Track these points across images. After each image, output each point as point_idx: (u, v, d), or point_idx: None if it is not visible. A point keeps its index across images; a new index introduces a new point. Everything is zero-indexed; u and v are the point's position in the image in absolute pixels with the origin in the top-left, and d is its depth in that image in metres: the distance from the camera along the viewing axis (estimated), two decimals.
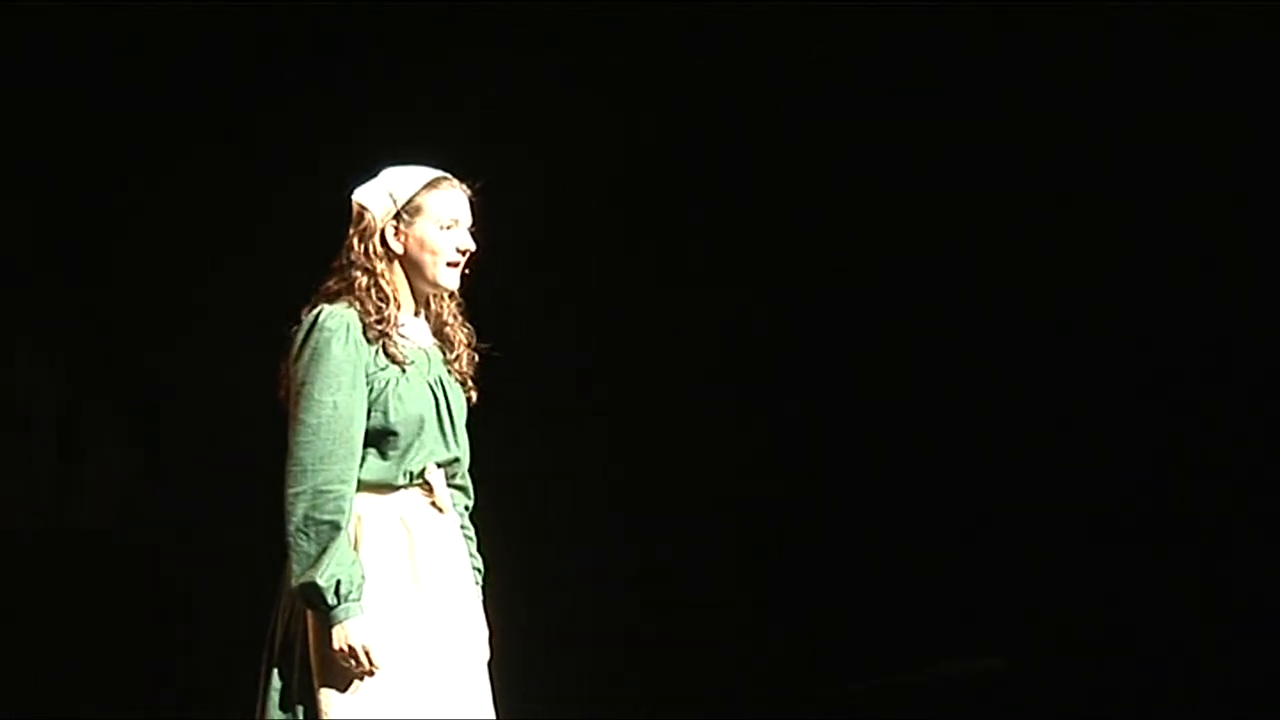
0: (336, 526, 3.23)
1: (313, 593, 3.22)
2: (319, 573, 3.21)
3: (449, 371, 3.47)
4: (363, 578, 3.25)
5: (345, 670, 3.24)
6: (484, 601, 3.52)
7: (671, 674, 5.92)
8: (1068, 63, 5.79)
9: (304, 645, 3.28)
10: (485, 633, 3.48)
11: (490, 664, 3.48)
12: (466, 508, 3.55)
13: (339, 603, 3.22)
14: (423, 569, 3.35)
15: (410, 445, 3.35)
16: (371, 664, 3.23)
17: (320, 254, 3.49)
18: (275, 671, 3.30)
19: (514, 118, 5.76)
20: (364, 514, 3.33)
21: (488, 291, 3.57)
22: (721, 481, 6.02)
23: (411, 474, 3.36)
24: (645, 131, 5.94)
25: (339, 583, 3.21)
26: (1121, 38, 5.73)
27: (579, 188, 5.87)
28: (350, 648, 3.22)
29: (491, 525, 3.67)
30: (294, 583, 3.24)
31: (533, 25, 5.82)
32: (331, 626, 3.22)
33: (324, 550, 3.22)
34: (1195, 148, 5.69)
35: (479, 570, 3.55)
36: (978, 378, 5.99)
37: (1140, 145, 5.75)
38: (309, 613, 3.26)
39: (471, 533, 3.56)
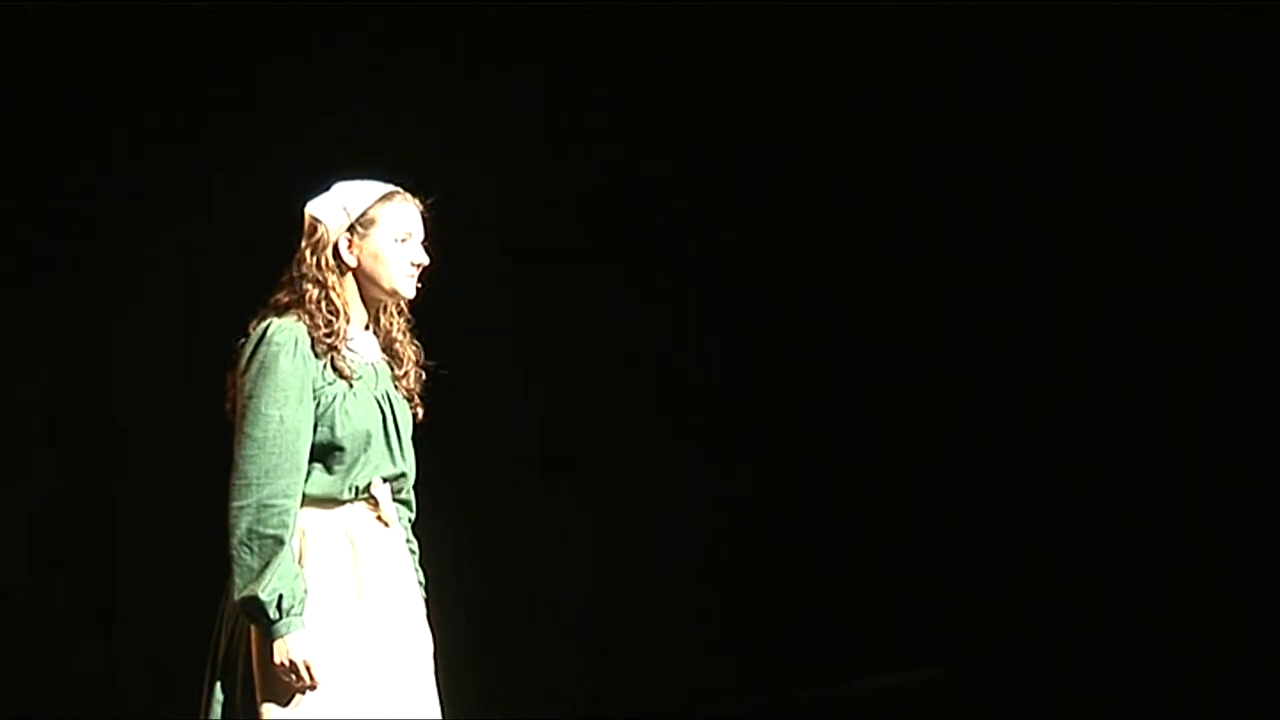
0: (280, 541, 3.24)
1: (254, 607, 3.22)
2: (261, 586, 3.21)
3: (396, 387, 3.48)
4: (305, 592, 3.26)
5: (287, 685, 3.24)
6: (429, 615, 3.53)
7: (625, 683, 5.94)
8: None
9: (247, 659, 3.29)
10: (430, 647, 3.48)
11: (437, 677, 3.49)
12: (410, 521, 3.56)
13: (281, 617, 3.22)
14: (367, 583, 3.35)
15: (356, 460, 3.36)
16: (312, 679, 3.23)
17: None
18: (218, 685, 3.31)
19: (469, 130, 5.76)
20: (308, 529, 3.33)
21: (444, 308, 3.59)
22: (680, 499, 6.05)
23: (357, 489, 3.37)
24: (605, 146, 5.96)
25: (281, 597, 3.22)
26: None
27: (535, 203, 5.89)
28: (291, 663, 3.22)
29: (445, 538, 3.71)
30: (236, 596, 3.24)
31: (494, 34, 5.82)
32: (273, 641, 3.23)
33: (267, 564, 3.22)
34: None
35: (421, 584, 3.56)
36: (943, 376, 6.04)
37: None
38: (252, 626, 3.27)
39: (415, 546, 3.57)
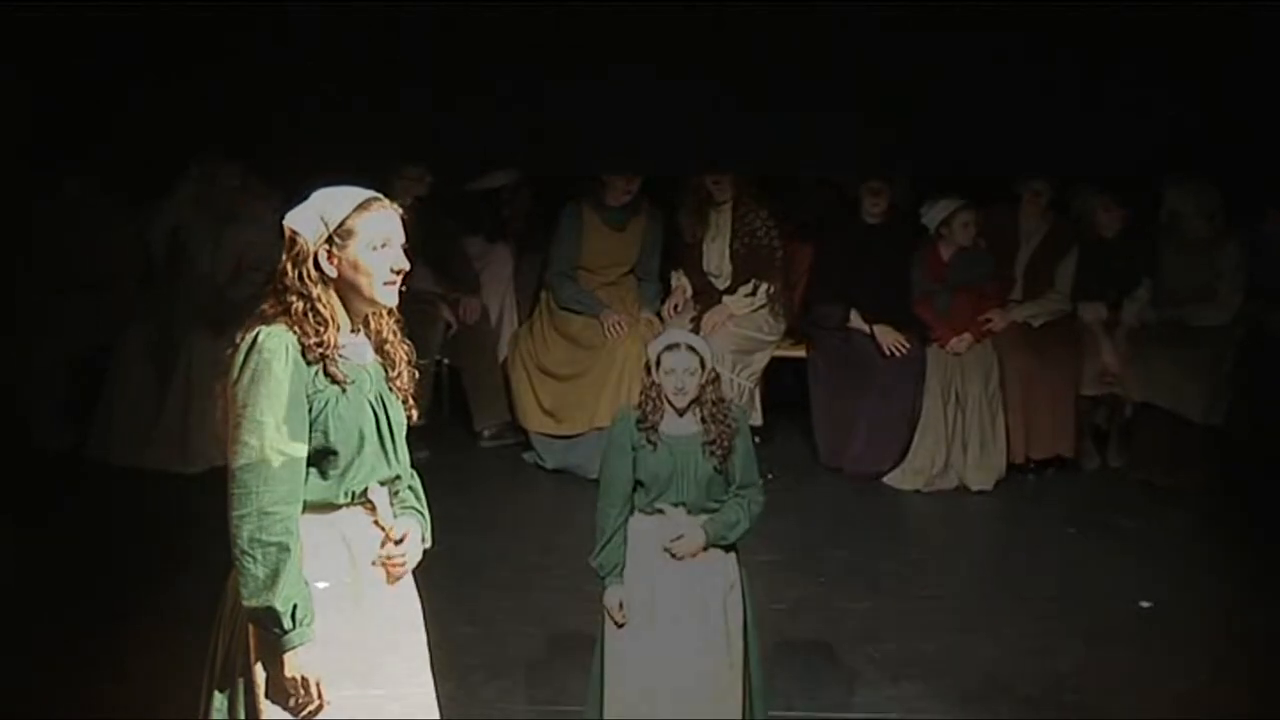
0: (285, 548, 3.18)
1: (268, 616, 3.17)
2: (275, 596, 3.16)
3: (390, 388, 3.42)
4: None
5: (291, 694, 3.21)
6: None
7: None
8: None
9: (246, 666, 3.25)
10: (425, 651, 3.45)
11: (435, 679, 3.46)
12: (418, 498, 3.50)
13: (294, 626, 3.18)
14: (364, 588, 3.32)
15: (350, 464, 3.31)
16: (321, 698, 3.21)
17: None
18: (217, 693, 3.28)
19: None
20: (304, 534, 3.26)
21: None
22: None
23: (353, 493, 3.33)
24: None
25: (296, 607, 3.18)
26: None
27: None
28: (304, 679, 3.19)
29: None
30: (246, 604, 3.19)
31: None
32: (284, 651, 3.19)
33: (276, 573, 3.17)
34: None
35: (420, 512, 3.46)
36: None
37: None
38: (251, 633, 3.23)
39: (424, 511, 3.49)
